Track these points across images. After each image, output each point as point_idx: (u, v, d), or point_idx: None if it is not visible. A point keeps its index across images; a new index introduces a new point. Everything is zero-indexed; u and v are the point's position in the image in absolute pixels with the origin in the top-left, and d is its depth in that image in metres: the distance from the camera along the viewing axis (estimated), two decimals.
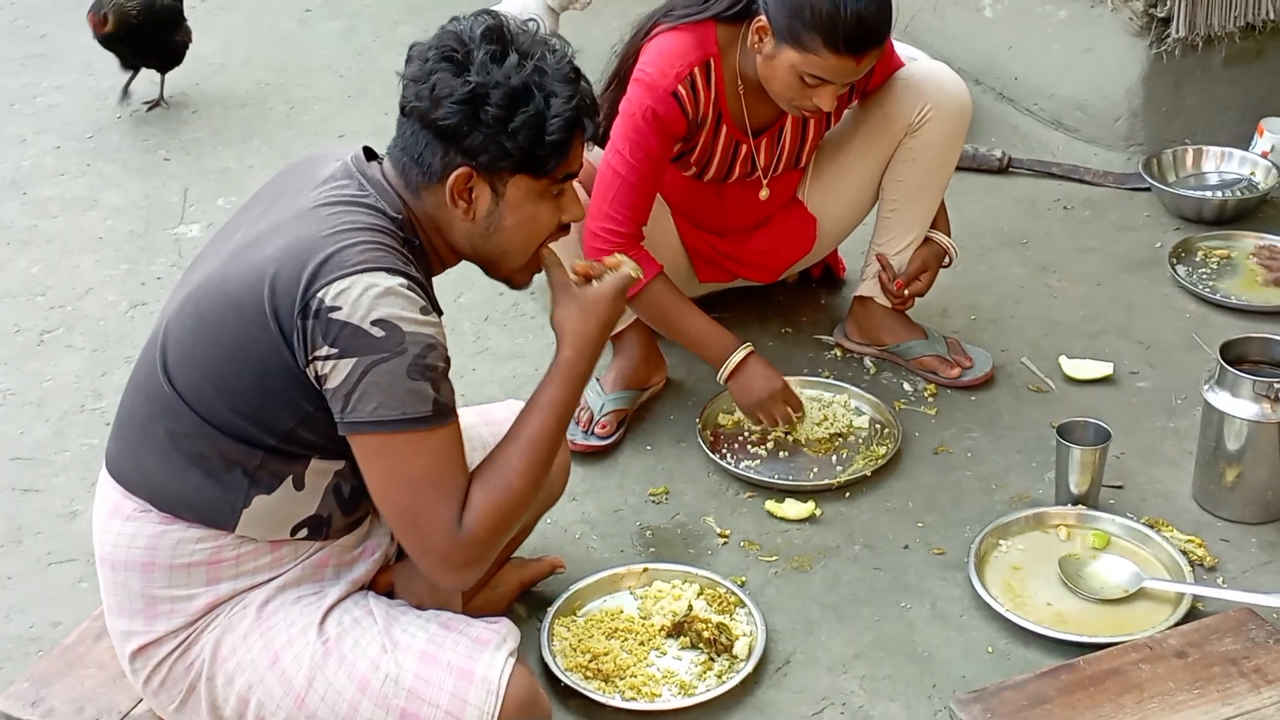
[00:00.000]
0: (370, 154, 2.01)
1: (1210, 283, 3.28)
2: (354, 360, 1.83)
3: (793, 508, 2.67)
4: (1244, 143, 3.69)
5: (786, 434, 2.83)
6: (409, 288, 1.86)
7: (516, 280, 2.07)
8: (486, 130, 1.87)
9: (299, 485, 1.95)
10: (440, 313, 1.96)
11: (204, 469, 1.92)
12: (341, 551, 2.04)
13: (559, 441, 2.02)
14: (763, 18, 2.57)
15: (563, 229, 2.02)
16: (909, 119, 2.89)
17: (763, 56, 2.61)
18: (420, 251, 1.96)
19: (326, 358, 1.83)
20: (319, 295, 1.82)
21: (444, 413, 1.89)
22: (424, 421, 1.86)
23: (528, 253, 2.01)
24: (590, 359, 2.07)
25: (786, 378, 2.97)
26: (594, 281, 2.07)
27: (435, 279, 2.02)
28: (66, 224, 3.76)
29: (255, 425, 1.90)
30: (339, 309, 1.82)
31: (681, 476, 2.78)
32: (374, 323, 1.82)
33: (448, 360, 1.91)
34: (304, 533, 1.99)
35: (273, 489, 1.93)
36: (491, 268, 2.04)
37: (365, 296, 1.82)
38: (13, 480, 2.84)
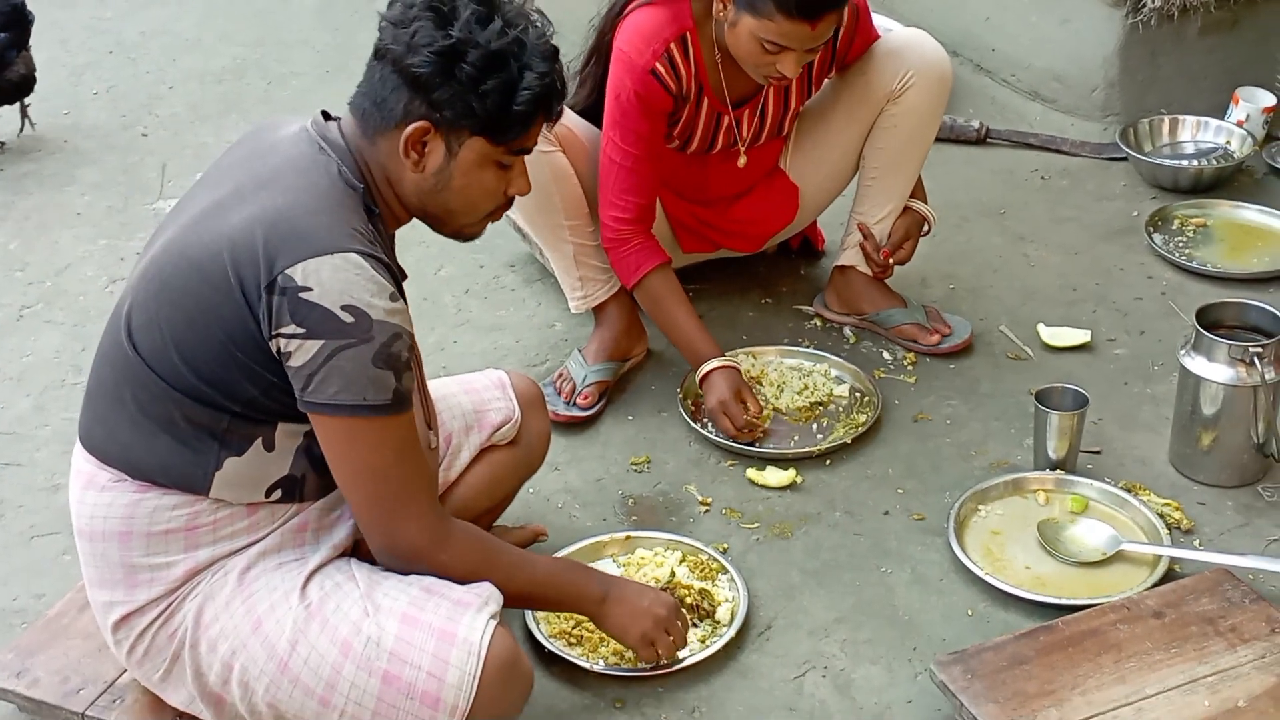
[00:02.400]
0: (327, 117, 2.01)
1: (1186, 250, 3.30)
2: (320, 343, 1.83)
3: (774, 475, 2.68)
4: (1219, 112, 3.71)
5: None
6: (379, 271, 1.87)
7: (465, 235, 2.08)
8: (457, 87, 1.87)
9: (269, 446, 1.95)
10: (405, 276, 1.98)
11: (173, 434, 1.93)
12: (320, 515, 2.05)
13: (526, 597, 2.09)
14: None
15: (508, 201, 2.04)
16: (891, 86, 2.90)
17: (727, 24, 2.62)
18: (379, 218, 1.97)
19: (292, 336, 1.84)
20: (289, 272, 1.83)
21: (402, 402, 1.91)
22: (383, 409, 1.88)
23: (473, 215, 2.03)
24: (600, 619, 2.16)
25: (768, 347, 2.99)
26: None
27: (416, 256, 2.03)
28: (44, 200, 3.74)
29: (219, 391, 1.90)
30: (310, 290, 1.83)
31: (663, 446, 2.79)
32: (344, 308, 1.83)
33: (412, 349, 1.93)
34: (278, 494, 1.99)
35: (243, 450, 1.94)
36: (438, 224, 2.04)
37: (336, 279, 1.83)
38: None
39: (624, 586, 2.19)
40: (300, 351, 1.85)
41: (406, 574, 2.01)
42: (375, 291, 1.85)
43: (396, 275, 1.96)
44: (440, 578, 1.99)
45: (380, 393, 1.87)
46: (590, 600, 2.14)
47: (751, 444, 2.74)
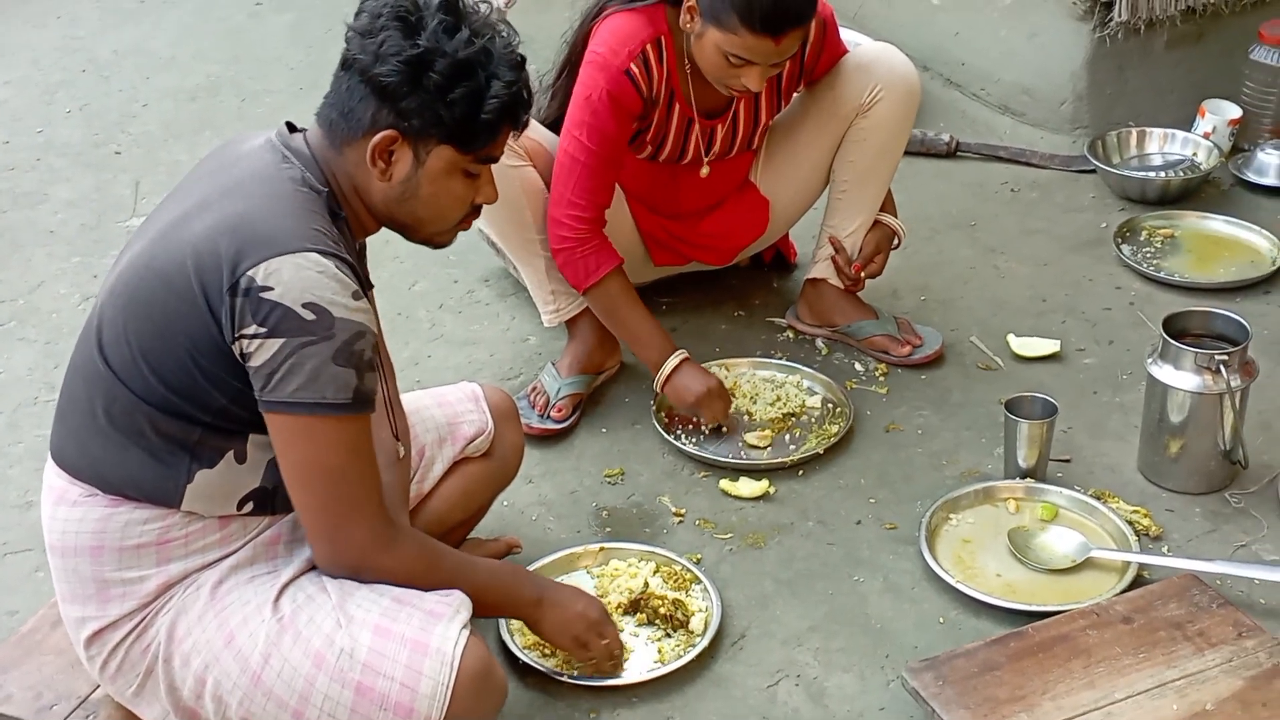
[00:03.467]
0: (292, 129, 2.03)
1: (1155, 261, 3.34)
2: (281, 340, 1.84)
3: (747, 486, 2.70)
4: (1186, 124, 3.74)
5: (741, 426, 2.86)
6: (341, 270, 1.88)
7: (435, 242, 2.08)
8: (425, 95, 1.89)
9: (241, 459, 1.96)
10: (371, 286, 1.99)
11: (144, 447, 1.93)
12: (293, 528, 2.05)
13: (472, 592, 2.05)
14: None
15: (476, 210, 2.05)
16: (860, 99, 2.93)
17: (694, 36, 2.64)
18: (344, 222, 1.98)
19: (254, 336, 1.84)
20: (250, 273, 1.84)
21: (363, 402, 1.91)
22: (344, 408, 1.88)
23: (442, 224, 2.04)
24: (535, 624, 2.19)
25: (740, 359, 3.01)
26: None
27: (389, 271, 2.04)
28: (17, 218, 3.74)
29: (189, 402, 1.91)
30: (271, 289, 1.83)
31: (637, 457, 2.81)
32: (305, 305, 1.84)
33: (375, 349, 1.93)
34: (250, 506, 1.99)
35: (214, 463, 1.94)
36: (407, 231, 2.05)
37: (297, 278, 1.84)
38: None
39: (558, 591, 2.21)
40: (261, 350, 1.85)
41: (348, 579, 1.99)
42: (337, 290, 1.86)
43: (361, 276, 1.96)
44: (380, 582, 1.99)
45: (341, 391, 1.87)
46: (525, 604, 2.16)
47: (724, 451, 2.76)
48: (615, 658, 2.27)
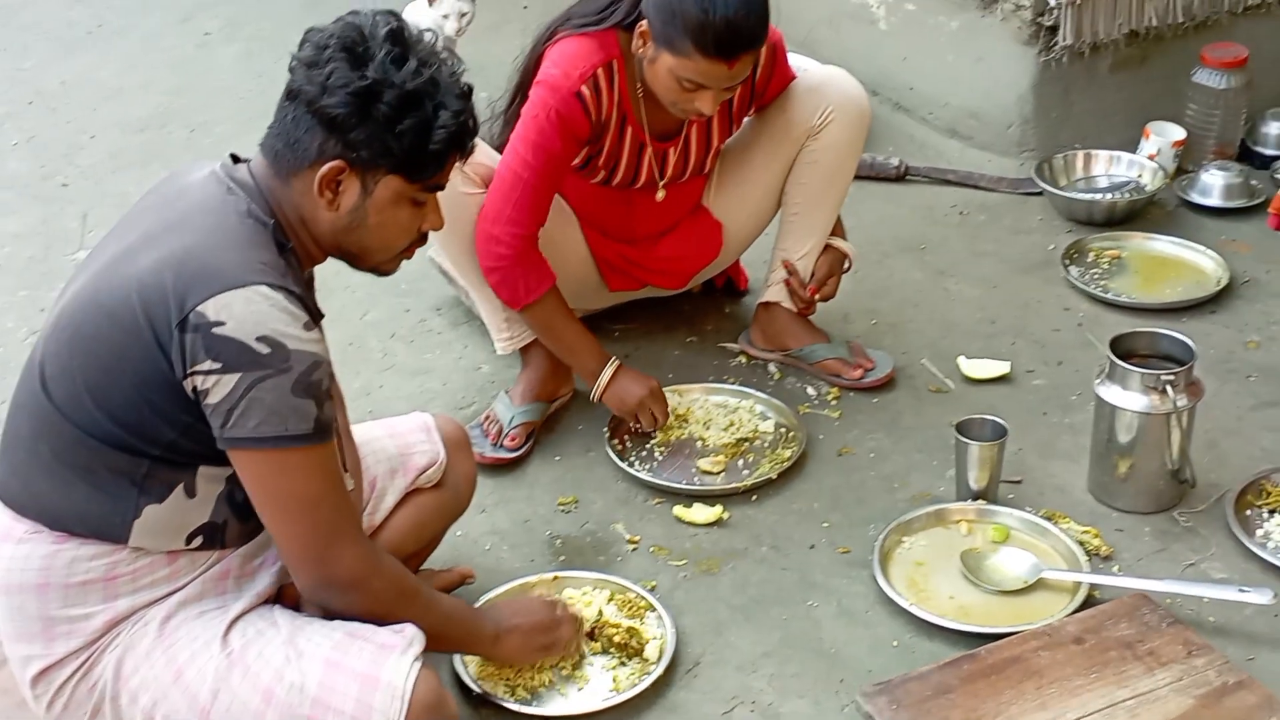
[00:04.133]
0: (236, 160, 2.02)
1: (1102, 282, 3.37)
2: (238, 375, 1.83)
3: (700, 512, 2.70)
4: (1131, 146, 3.78)
5: (692, 452, 2.86)
6: (291, 302, 1.87)
7: (381, 270, 2.09)
8: (373, 126, 1.89)
9: (190, 493, 1.94)
10: (321, 316, 1.98)
11: (91, 482, 1.91)
12: (242, 562, 2.04)
13: (437, 634, 2.06)
14: (645, 22, 2.61)
15: (422, 238, 2.06)
16: (811, 122, 2.95)
17: (646, 61, 2.65)
18: (291, 253, 1.97)
19: (209, 372, 1.83)
20: (200, 309, 1.83)
21: (324, 431, 1.90)
22: (305, 439, 1.87)
23: (388, 252, 2.04)
24: (495, 656, 2.25)
25: (693, 385, 3.02)
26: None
27: (341, 301, 2.04)
28: None
29: (136, 436, 1.89)
30: (223, 324, 1.82)
31: (590, 485, 2.80)
32: (259, 339, 1.83)
33: (331, 377, 1.93)
34: (199, 541, 1.98)
35: (163, 498, 1.93)
36: (354, 260, 2.05)
37: (249, 311, 1.83)
38: None
39: (508, 618, 2.23)
40: (218, 387, 1.84)
41: (338, 612, 1.99)
42: (289, 321, 1.86)
43: (311, 307, 1.96)
44: (369, 613, 1.99)
45: (302, 422, 1.86)
46: (485, 639, 2.19)
47: (678, 478, 2.77)
48: (576, 643, 2.32)
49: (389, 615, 2.00)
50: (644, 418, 2.85)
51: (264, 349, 1.83)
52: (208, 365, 1.83)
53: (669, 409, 2.89)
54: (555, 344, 2.89)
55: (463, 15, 3.79)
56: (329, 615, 2.04)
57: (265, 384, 1.83)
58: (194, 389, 1.85)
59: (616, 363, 2.86)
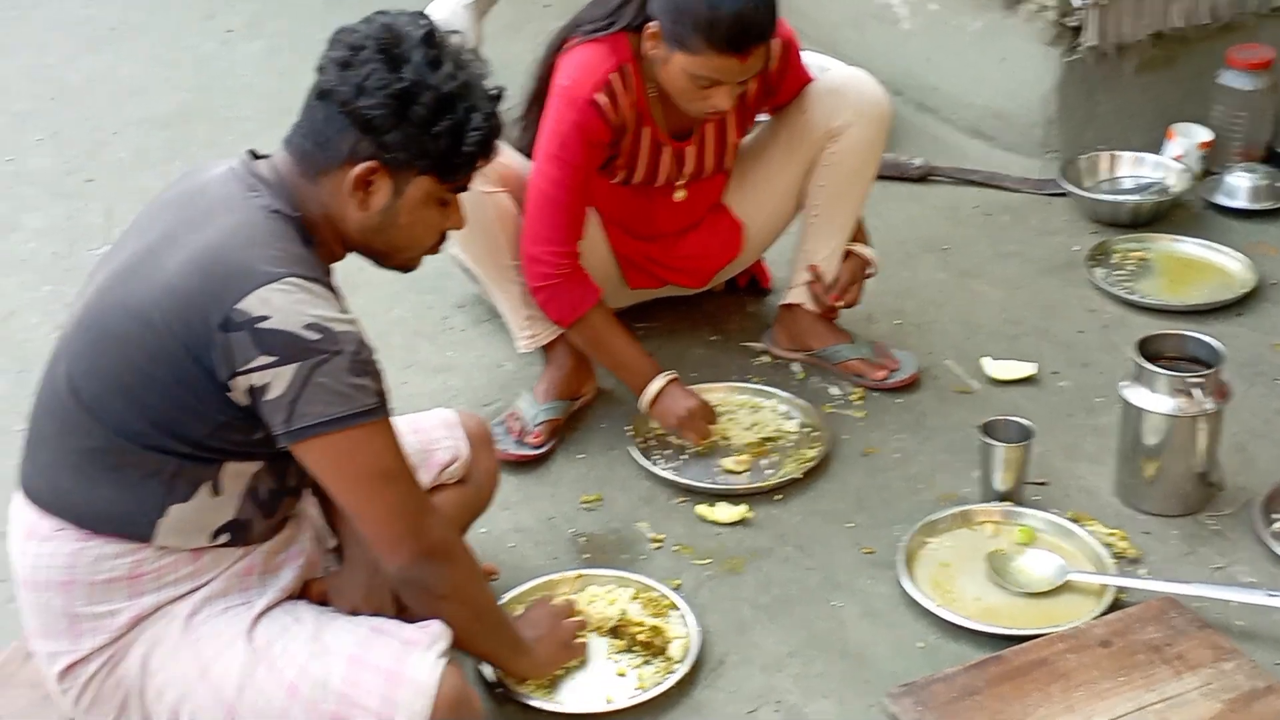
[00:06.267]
0: (255, 156, 2.02)
1: (1127, 284, 3.35)
2: (295, 366, 1.82)
3: (724, 511, 2.69)
4: (1156, 147, 3.77)
5: (718, 451, 2.85)
6: (325, 290, 1.89)
7: (406, 268, 2.11)
8: (410, 128, 1.89)
9: (216, 491, 1.94)
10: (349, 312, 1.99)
11: (117, 482, 1.91)
12: (266, 558, 2.04)
13: (465, 626, 2.06)
14: (654, 24, 2.61)
15: (443, 236, 2.07)
16: (830, 124, 2.94)
17: (659, 62, 2.65)
18: (314, 248, 1.97)
19: (264, 368, 1.82)
20: (239, 307, 1.82)
21: (386, 404, 1.92)
22: (373, 413, 1.88)
23: (415, 251, 2.06)
24: (524, 666, 2.25)
25: (716, 384, 3.01)
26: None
27: (364, 298, 2.06)
28: None
29: (167, 435, 1.89)
30: (267, 318, 1.82)
31: (614, 483, 2.80)
32: (307, 326, 1.83)
33: (374, 353, 1.94)
34: (224, 538, 1.98)
35: (189, 496, 1.92)
36: (380, 258, 2.06)
37: (290, 301, 1.83)
38: None
39: (532, 629, 2.27)
40: (276, 381, 1.83)
41: (425, 593, 2.00)
42: (329, 305, 1.87)
43: (340, 296, 1.97)
44: (455, 588, 2.01)
45: (367, 397, 1.87)
46: (519, 645, 2.23)
47: (701, 477, 2.76)
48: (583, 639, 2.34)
49: (465, 587, 2.03)
50: (689, 434, 2.82)
51: (314, 335, 1.83)
52: (260, 361, 1.82)
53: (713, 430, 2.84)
54: (604, 358, 2.88)
55: None
56: (400, 608, 2.06)
57: (323, 369, 1.83)
58: (249, 388, 1.84)
59: (668, 377, 2.82)
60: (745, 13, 2.53)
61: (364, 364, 1.88)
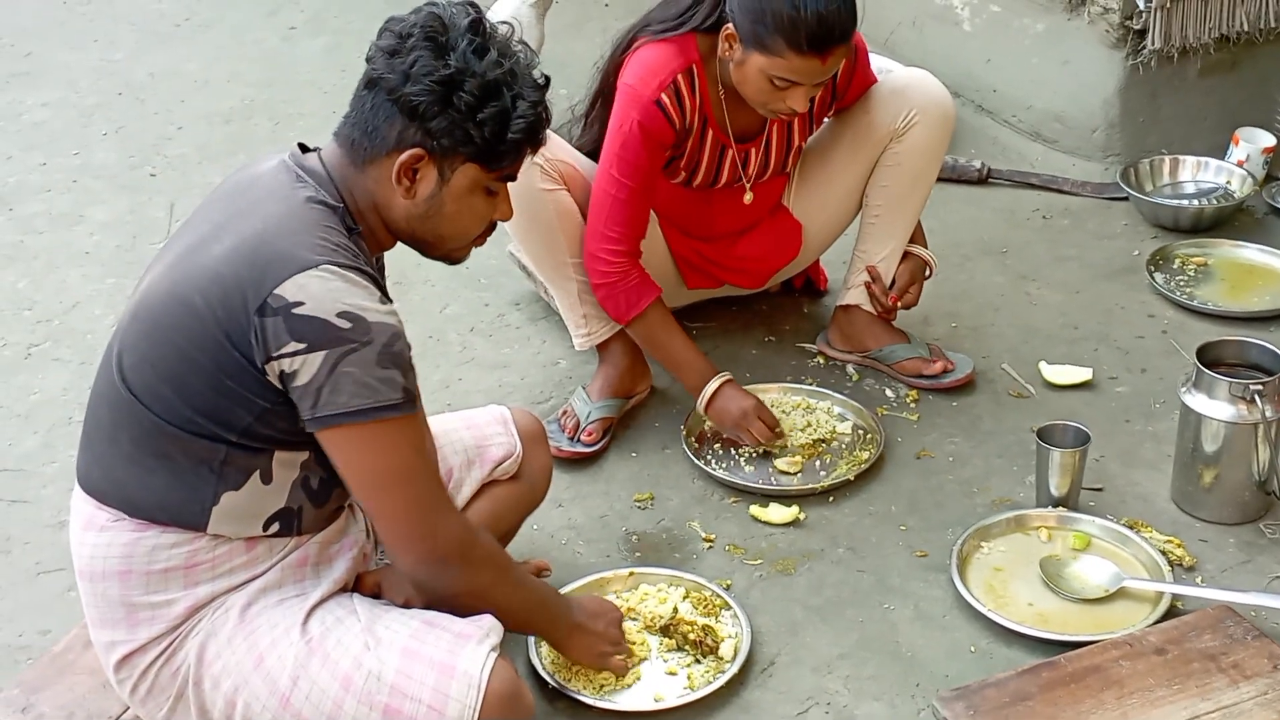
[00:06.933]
0: (305, 149, 2.04)
1: (1188, 289, 3.32)
2: (324, 353, 1.84)
3: (777, 512, 2.69)
4: (1220, 152, 3.73)
5: (769, 452, 2.84)
6: (364, 279, 1.90)
7: (452, 259, 2.11)
8: (455, 115, 1.90)
9: (266, 479, 1.96)
10: (390, 301, 1.99)
11: (170, 471, 1.94)
12: (320, 549, 2.06)
13: (503, 604, 2.07)
14: (731, 25, 2.61)
15: (491, 226, 2.08)
16: (894, 124, 2.93)
17: (734, 63, 2.65)
18: (359, 237, 1.99)
19: (294, 354, 1.85)
20: (276, 292, 1.84)
21: (413, 400, 1.92)
22: (397, 408, 1.89)
23: (461, 240, 2.06)
24: (565, 641, 2.25)
25: (770, 384, 3.01)
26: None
27: (420, 294, 2.05)
28: (53, 239, 3.77)
29: (214, 422, 1.91)
30: (302, 304, 1.84)
31: (667, 482, 2.80)
32: (339, 314, 1.85)
33: (409, 347, 1.94)
34: (276, 527, 2.00)
35: (240, 485, 1.95)
36: (427, 248, 2.07)
37: (326, 289, 1.85)
38: (1, 491, 2.85)
39: (586, 618, 2.25)
40: (305, 368, 1.85)
41: (439, 591, 2.00)
42: (365, 295, 1.88)
43: (382, 288, 1.98)
44: (469, 589, 2.01)
45: (392, 391, 1.88)
46: (563, 627, 2.22)
47: (754, 477, 2.76)
48: (626, 665, 2.31)
49: (487, 591, 2.02)
50: (745, 435, 2.82)
51: (345, 324, 1.85)
52: (292, 347, 1.85)
53: (775, 429, 2.83)
54: (661, 357, 2.89)
55: None
56: (407, 604, 2.05)
57: (351, 358, 1.85)
58: (280, 373, 1.87)
59: (724, 378, 2.83)
60: (827, 14, 2.53)
61: (394, 356, 1.88)
